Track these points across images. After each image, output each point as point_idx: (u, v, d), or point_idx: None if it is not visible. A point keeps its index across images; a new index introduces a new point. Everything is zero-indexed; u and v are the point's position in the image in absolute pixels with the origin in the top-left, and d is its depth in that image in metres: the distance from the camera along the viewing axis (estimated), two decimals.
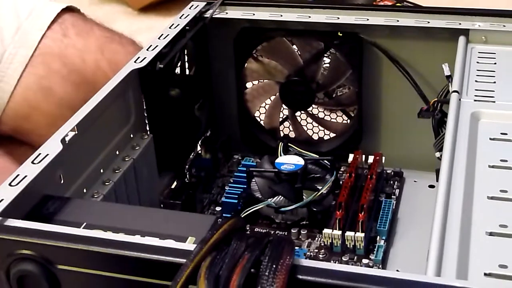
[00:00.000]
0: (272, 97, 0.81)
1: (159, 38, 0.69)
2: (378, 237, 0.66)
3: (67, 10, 0.86)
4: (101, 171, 0.60)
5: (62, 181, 0.54)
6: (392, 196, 0.72)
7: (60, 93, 0.82)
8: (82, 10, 0.90)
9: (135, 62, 0.65)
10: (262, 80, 0.80)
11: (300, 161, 0.69)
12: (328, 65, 0.77)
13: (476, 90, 0.61)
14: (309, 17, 0.74)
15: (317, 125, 0.81)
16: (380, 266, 0.63)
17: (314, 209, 0.67)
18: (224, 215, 0.70)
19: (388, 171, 0.76)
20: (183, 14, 0.74)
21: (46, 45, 0.82)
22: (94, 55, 0.83)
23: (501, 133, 0.55)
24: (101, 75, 0.81)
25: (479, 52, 0.67)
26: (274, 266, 0.38)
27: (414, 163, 0.76)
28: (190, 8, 0.76)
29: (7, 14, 0.83)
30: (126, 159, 0.63)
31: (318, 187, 0.68)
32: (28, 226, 0.44)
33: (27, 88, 0.80)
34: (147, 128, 0.67)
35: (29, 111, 0.82)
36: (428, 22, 0.71)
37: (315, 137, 0.81)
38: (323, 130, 0.81)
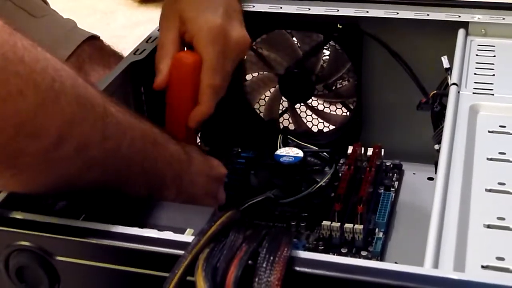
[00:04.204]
0: (272, 89, 0.81)
1: (158, 30, 0.69)
2: (377, 229, 0.66)
3: (87, 39, 0.86)
4: None
5: None
6: (391, 189, 0.72)
7: None
8: (84, 2, 0.90)
9: (134, 54, 0.65)
10: (261, 73, 0.80)
11: (299, 153, 0.69)
12: (327, 57, 0.77)
13: (475, 82, 0.61)
14: (309, 9, 0.74)
15: (316, 117, 0.81)
16: (379, 258, 0.63)
17: (313, 201, 0.67)
18: (223, 207, 0.70)
19: (387, 164, 0.76)
20: None
21: None
22: None
23: (500, 126, 0.55)
24: None
25: (478, 45, 0.67)
26: (271, 258, 0.38)
27: (413, 155, 0.76)
28: None
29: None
30: None
31: (317, 179, 0.68)
32: (27, 218, 0.44)
33: None
34: None
35: None
36: (428, 15, 0.71)
37: (315, 129, 0.81)
38: (323, 122, 0.81)
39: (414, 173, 0.76)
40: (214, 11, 0.62)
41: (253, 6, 0.75)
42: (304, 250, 0.41)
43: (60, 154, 0.42)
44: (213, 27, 0.61)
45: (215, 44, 0.61)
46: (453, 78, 0.61)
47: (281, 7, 0.75)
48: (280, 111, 0.82)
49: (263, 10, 0.75)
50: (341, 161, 0.77)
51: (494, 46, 0.67)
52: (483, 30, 0.69)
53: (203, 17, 0.61)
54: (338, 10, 0.73)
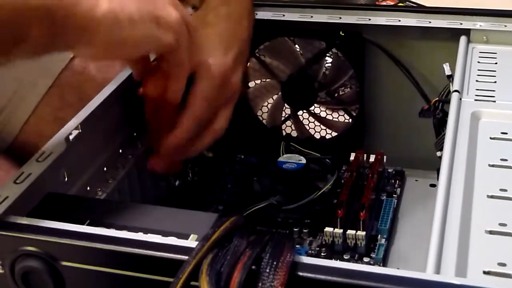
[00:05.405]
0: (274, 97, 0.81)
1: None
2: (379, 235, 0.66)
3: None
4: (105, 169, 0.61)
5: (66, 179, 0.54)
6: (394, 195, 0.73)
7: None
8: None
9: None
10: (264, 80, 0.80)
11: (302, 160, 0.69)
12: (330, 64, 0.78)
13: (476, 89, 0.61)
14: (311, 17, 0.75)
15: (319, 124, 0.82)
16: (381, 264, 0.64)
17: (316, 208, 0.67)
18: (226, 213, 0.71)
19: (389, 170, 0.76)
20: None
21: (65, 77, 0.80)
22: None
23: (501, 133, 0.55)
24: None
25: (480, 52, 0.68)
26: (274, 263, 0.38)
27: (416, 162, 0.76)
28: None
29: None
30: (129, 157, 0.63)
31: (319, 185, 0.68)
32: (33, 223, 0.45)
33: (41, 118, 0.80)
34: None
35: (40, 141, 0.81)
36: (430, 22, 0.71)
37: (317, 136, 0.82)
38: (325, 129, 0.81)
39: (416, 180, 0.77)
40: (226, 51, 0.63)
41: (256, 14, 0.76)
42: (307, 256, 0.41)
43: None
44: (221, 66, 0.62)
45: (214, 84, 0.62)
46: (455, 85, 0.61)
47: (284, 15, 0.75)
48: (282, 118, 0.82)
49: (266, 18, 0.75)
50: (344, 168, 0.77)
51: (495, 53, 0.67)
52: (484, 37, 0.69)
53: (216, 54, 0.63)
54: (340, 18, 0.74)
